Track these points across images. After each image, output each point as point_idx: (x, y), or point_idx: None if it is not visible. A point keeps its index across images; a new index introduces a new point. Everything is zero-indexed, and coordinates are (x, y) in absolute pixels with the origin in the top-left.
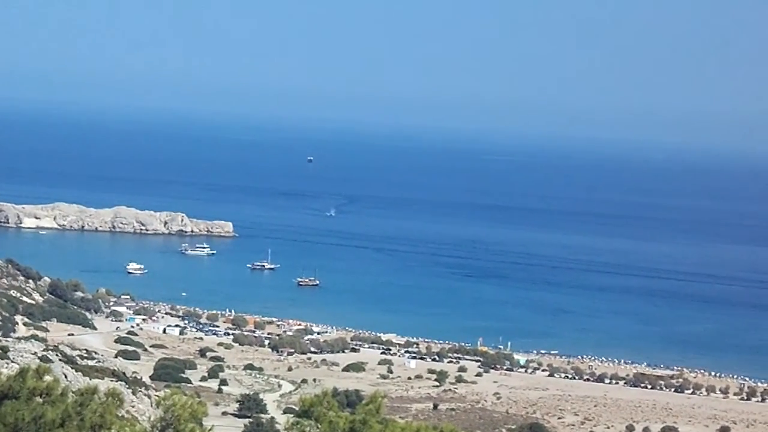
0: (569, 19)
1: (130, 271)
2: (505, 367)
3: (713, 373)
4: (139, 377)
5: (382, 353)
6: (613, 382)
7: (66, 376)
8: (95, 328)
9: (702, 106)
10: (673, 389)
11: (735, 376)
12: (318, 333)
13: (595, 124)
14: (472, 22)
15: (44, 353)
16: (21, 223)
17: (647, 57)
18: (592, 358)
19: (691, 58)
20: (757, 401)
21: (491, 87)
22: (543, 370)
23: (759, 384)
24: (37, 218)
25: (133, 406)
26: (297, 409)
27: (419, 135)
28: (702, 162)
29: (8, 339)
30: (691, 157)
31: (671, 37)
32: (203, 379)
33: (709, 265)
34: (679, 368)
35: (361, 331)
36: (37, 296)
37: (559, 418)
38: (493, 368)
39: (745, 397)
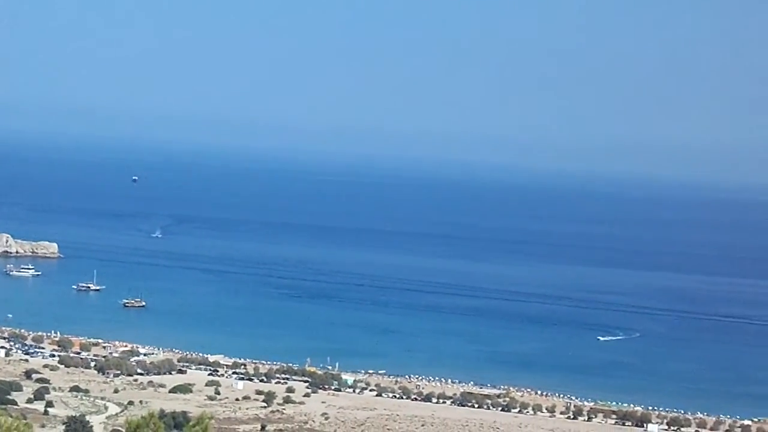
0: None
1: None
2: (333, 388)
3: (540, 392)
4: None
5: (209, 374)
6: (441, 401)
7: None
8: None
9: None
10: (500, 408)
11: (561, 395)
12: (144, 354)
13: (450, 148)
14: (306, 44)
15: None
16: None
17: (508, 83)
18: (420, 377)
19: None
20: (584, 420)
21: (328, 109)
22: (371, 390)
23: (585, 403)
24: None
25: None
26: (123, 431)
27: (251, 156)
28: (543, 184)
29: None
30: (536, 179)
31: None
32: (29, 401)
33: (535, 284)
34: (506, 387)
35: (188, 353)
36: None
37: None
38: (321, 388)
39: (572, 416)
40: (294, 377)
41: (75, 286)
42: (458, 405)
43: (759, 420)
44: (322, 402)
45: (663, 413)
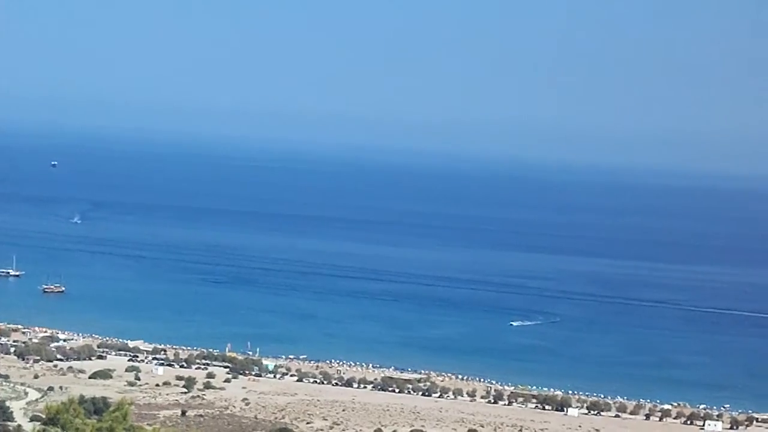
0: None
1: None
2: (253, 373)
3: (460, 377)
4: None
5: (129, 360)
6: (362, 386)
7: None
8: None
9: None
10: (420, 393)
11: (482, 380)
12: (64, 340)
13: (373, 133)
14: (238, 27)
15: None
16: None
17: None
18: (341, 362)
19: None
20: (504, 404)
21: (257, 95)
22: (292, 375)
23: (506, 387)
24: None
25: None
26: (44, 416)
27: (169, 141)
28: (464, 169)
29: None
30: (456, 164)
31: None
32: None
33: (454, 269)
34: (427, 372)
35: (108, 338)
36: None
37: (307, 423)
38: (241, 374)
39: (492, 401)
40: (214, 363)
41: None
42: (379, 390)
43: (679, 404)
44: (243, 387)
45: (583, 397)
